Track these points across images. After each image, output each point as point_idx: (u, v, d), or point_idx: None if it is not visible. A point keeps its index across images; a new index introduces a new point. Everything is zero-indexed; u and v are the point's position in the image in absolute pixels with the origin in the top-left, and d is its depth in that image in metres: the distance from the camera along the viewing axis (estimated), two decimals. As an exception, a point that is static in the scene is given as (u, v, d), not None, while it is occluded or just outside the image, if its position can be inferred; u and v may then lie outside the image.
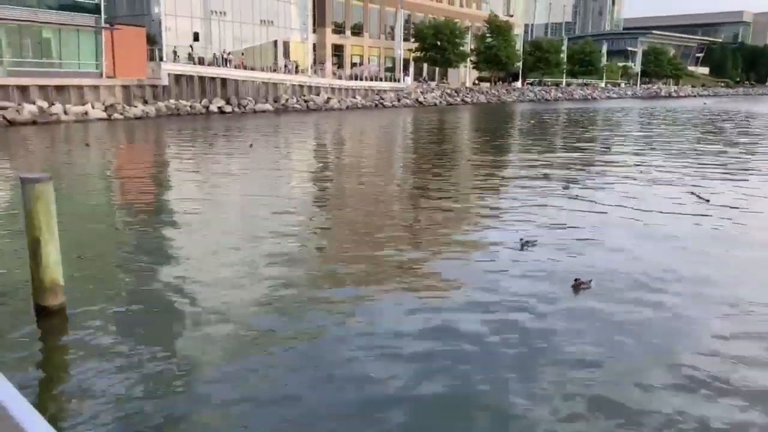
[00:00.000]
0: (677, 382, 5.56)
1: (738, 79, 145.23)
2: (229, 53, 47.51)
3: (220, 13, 48.55)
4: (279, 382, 5.51)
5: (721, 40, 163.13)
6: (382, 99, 56.54)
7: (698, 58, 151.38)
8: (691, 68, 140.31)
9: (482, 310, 7.15)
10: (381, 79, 62.36)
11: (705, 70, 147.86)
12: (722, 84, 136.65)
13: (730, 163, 20.98)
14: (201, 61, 44.20)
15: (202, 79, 41.78)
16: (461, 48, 71.53)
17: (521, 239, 9.78)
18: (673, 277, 8.39)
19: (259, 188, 15.27)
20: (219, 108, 41.52)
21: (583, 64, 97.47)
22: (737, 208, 13.13)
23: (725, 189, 15.45)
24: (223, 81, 43.08)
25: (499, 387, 5.46)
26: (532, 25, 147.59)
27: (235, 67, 46.26)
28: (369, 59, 69.74)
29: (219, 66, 44.89)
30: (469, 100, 67.12)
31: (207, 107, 41.02)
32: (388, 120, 42.84)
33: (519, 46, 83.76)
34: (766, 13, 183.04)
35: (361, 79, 58.25)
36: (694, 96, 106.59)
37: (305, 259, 9.19)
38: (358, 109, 51.52)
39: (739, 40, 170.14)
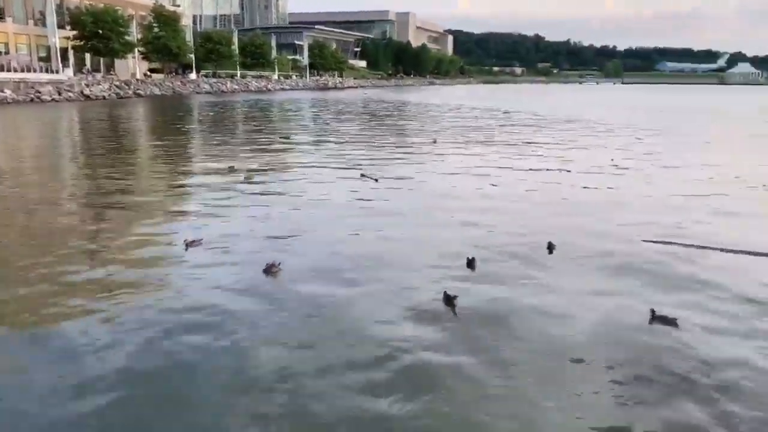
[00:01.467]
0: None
1: (390, 72, 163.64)
2: None
3: None
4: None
5: (373, 37, 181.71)
6: (39, 93, 49.83)
7: (356, 52, 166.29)
8: (351, 62, 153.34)
9: (158, 316, 6.81)
10: (35, 70, 54.95)
11: (363, 63, 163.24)
12: (378, 76, 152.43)
13: (392, 144, 23.57)
14: None
15: None
16: (126, 37, 66.91)
17: (185, 240, 9.31)
18: (356, 260, 9.06)
19: None
20: None
21: (255, 57, 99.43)
22: (403, 185, 14.80)
23: (392, 167, 17.29)
24: None
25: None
26: (201, 16, 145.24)
27: None
28: (17, 48, 60.81)
29: None
30: (142, 92, 63.21)
31: None
32: (49, 117, 37.99)
33: (189, 37, 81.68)
34: (406, 13, 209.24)
35: (9, 71, 50.54)
36: (356, 87, 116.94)
37: (-48, 286, 7.61)
38: (8, 105, 44.58)
39: (388, 36, 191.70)
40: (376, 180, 15.21)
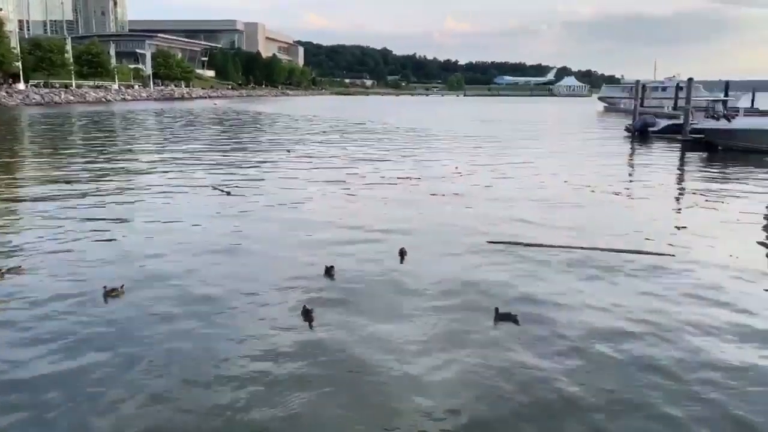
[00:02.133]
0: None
1: (241, 82, 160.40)
2: None
3: None
4: None
5: (221, 46, 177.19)
6: None
7: (204, 61, 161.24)
8: (199, 71, 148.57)
9: None
10: None
11: (211, 73, 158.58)
12: (228, 86, 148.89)
13: (245, 155, 23.03)
14: None
15: None
16: (-62, 43, 59.85)
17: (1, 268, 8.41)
18: (209, 277, 8.69)
19: None
20: None
21: (93, 66, 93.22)
22: (257, 197, 14.48)
23: (245, 180, 16.87)
24: None
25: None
26: (28, 21, 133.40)
27: None
28: None
29: None
30: (-42, 104, 56.75)
31: None
32: None
33: (15, 44, 74.71)
34: (255, 24, 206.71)
35: None
36: (206, 97, 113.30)
37: None
38: None
39: (236, 46, 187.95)
40: (228, 193, 14.77)
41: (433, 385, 5.52)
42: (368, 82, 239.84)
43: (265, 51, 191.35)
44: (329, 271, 8.42)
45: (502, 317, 6.88)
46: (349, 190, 15.58)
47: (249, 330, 6.65)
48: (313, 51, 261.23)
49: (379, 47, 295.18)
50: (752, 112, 40.16)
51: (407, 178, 17.67)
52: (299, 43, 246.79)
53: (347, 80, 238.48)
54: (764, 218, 13.37)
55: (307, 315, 6.93)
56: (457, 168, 19.87)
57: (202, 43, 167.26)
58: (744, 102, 54.89)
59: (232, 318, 7.00)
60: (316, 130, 39.72)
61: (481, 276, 8.52)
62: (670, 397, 5.34)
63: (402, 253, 9.37)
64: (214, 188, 15.35)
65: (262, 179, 17.40)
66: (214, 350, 6.15)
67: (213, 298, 7.60)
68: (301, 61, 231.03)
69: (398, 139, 32.40)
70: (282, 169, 19.53)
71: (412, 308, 7.30)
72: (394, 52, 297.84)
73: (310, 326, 6.75)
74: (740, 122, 28.05)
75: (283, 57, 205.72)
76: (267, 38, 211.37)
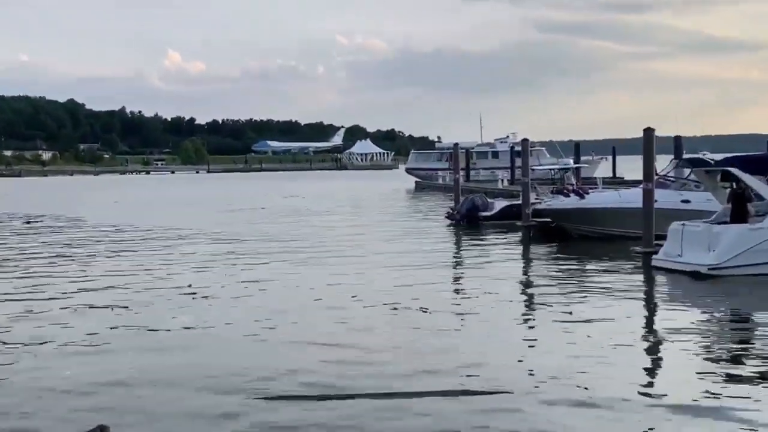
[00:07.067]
0: None
1: None
2: None
3: None
4: None
5: None
6: None
7: None
8: None
9: None
10: None
11: None
12: None
13: None
14: None
15: None
16: None
17: None
18: None
19: None
20: None
21: None
22: None
23: None
24: None
25: None
26: None
27: None
28: None
29: None
30: None
31: None
32: None
33: None
34: None
35: None
36: None
37: None
38: None
39: None
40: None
41: None
42: (46, 155, 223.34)
43: None
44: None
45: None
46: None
47: None
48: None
49: (63, 99, 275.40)
50: (614, 182, 44.48)
51: (111, 306, 18.14)
52: None
53: (8, 152, 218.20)
54: (641, 338, 14.94)
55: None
56: (190, 286, 20.75)
57: None
58: (603, 169, 61.13)
59: None
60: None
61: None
62: None
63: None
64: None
65: None
66: None
67: None
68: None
69: (99, 243, 32.24)
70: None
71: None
72: (88, 106, 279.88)
73: None
74: (596, 199, 30.69)
75: None
76: None
